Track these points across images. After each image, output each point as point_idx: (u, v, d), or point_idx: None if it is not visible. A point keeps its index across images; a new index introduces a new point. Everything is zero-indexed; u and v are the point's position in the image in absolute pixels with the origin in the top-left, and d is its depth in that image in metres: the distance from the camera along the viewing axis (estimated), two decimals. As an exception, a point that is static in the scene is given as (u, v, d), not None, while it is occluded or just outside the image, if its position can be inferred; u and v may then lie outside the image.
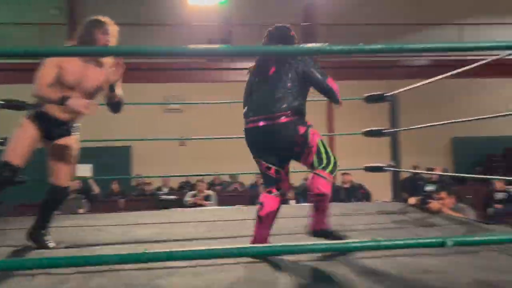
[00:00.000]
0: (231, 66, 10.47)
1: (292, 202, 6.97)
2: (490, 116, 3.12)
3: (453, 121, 3.63)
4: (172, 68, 10.31)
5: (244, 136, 2.38)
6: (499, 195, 6.75)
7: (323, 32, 11.28)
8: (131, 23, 10.39)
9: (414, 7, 11.96)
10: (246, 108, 2.40)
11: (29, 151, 2.42)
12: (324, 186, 2.18)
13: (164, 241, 2.70)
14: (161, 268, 1.93)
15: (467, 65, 3.31)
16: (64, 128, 2.52)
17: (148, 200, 7.80)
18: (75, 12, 11.28)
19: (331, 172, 2.26)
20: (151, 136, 8.83)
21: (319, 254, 2.08)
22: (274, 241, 2.33)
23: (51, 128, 2.47)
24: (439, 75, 3.65)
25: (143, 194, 8.32)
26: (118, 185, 8.25)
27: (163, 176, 8.61)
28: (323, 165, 2.24)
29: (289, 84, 2.29)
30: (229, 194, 7.92)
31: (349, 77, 10.68)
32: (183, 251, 0.79)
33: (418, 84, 3.88)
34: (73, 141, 2.59)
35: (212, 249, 0.95)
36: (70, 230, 3.17)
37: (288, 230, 2.84)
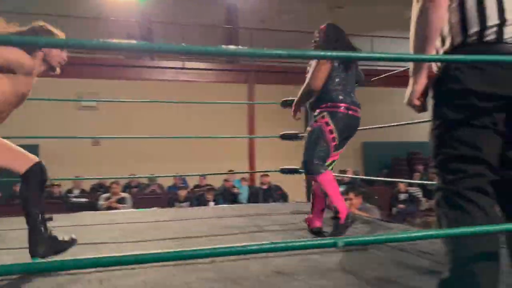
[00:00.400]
0: (150, 65, 10.21)
1: (212, 203, 6.95)
2: (396, 124, 3.38)
3: (363, 128, 3.88)
4: (87, 64, 9.80)
5: (335, 119, 2.65)
6: (402, 196, 7.35)
7: (245, 36, 11.44)
8: (47, 13, 9.70)
9: (331, 18, 12.59)
10: (343, 95, 2.69)
11: None
12: None
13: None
14: (66, 275, 1.83)
15: (379, 75, 3.57)
16: None
17: (58, 203, 7.31)
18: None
19: None
20: (62, 134, 8.30)
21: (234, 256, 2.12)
22: (187, 245, 2.31)
23: None
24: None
25: (51, 196, 7.78)
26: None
27: (74, 179, 8.13)
28: None
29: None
30: (146, 196, 7.69)
31: (270, 82, 10.96)
32: (87, 259, 0.75)
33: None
34: None
35: (120, 256, 0.91)
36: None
37: (204, 233, 2.83)
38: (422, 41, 1.25)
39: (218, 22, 11.70)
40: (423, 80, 1.30)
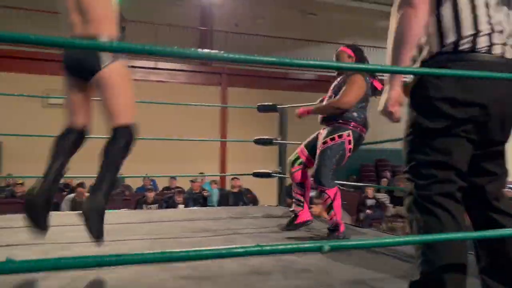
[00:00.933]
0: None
1: (181, 206, 6.89)
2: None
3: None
4: (55, 60, 9.50)
5: (355, 138, 2.78)
6: (370, 202, 7.52)
7: (219, 39, 11.43)
8: (12, 6, 9.38)
9: (304, 24, 12.76)
10: (364, 114, 2.82)
11: None
12: None
13: (37, 245, 2.46)
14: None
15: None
16: None
17: (20, 202, 7.04)
18: None
19: None
20: (26, 132, 8.02)
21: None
22: (160, 247, 2.29)
23: None
24: (323, 88, 3.95)
25: (13, 195, 7.50)
26: (-16, 186, 7.32)
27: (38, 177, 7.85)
28: None
29: None
30: (114, 197, 7.51)
31: (242, 85, 10.99)
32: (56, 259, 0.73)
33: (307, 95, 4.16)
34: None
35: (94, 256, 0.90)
36: None
37: (175, 235, 2.81)
38: (400, 48, 1.29)
39: (192, 24, 11.65)
40: (398, 88, 1.34)
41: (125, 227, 3.17)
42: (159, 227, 3.19)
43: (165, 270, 1.90)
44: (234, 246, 0.86)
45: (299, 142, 3.24)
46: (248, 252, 0.86)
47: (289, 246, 0.84)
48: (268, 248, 0.84)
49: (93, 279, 1.80)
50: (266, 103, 4.35)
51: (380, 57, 10.95)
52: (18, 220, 3.35)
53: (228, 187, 9.09)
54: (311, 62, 0.92)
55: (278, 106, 4.26)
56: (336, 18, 12.82)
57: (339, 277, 1.87)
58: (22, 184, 7.75)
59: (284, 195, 4.69)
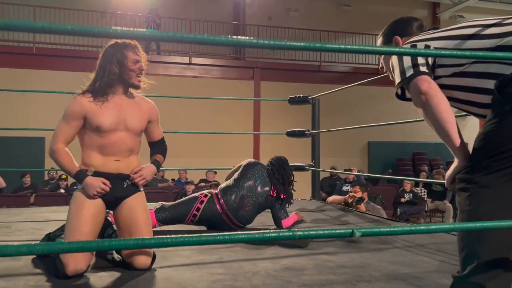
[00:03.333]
0: (156, 60, 10.22)
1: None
2: (399, 122, 3.37)
3: (366, 125, 3.89)
4: (92, 57, 9.79)
5: None
6: (407, 196, 7.33)
7: (252, 33, 11.43)
8: (53, 6, 9.73)
9: (339, 16, 12.55)
10: None
11: None
12: None
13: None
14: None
15: (383, 74, 3.55)
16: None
17: (64, 196, 7.34)
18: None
19: None
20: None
21: (245, 248, 2.15)
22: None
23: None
24: (357, 80, 3.87)
25: (57, 189, 7.81)
26: (29, 179, 7.65)
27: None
28: None
29: None
30: (153, 191, 7.68)
31: (275, 79, 10.95)
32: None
33: (339, 89, 4.10)
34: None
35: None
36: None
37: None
38: (444, 129, 1.22)
39: (225, 18, 11.69)
40: (454, 163, 1.26)
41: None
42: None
43: (198, 269, 1.92)
44: (268, 231, 0.86)
45: (334, 129, 3.18)
46: (281, 236, 0.85)
47: (320, 232, 0.83)
48: (300, 233, 0.82)
49: (126, 275, 1.85)
50: (297, 95, 4.31)
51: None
52: (62, 212, 3.50)
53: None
54: (342, 47, 0.90)
55: (309, 98, 4.21)
56: (372, 9, 12.52)
57: (376, 273, 1.84)
58: (66, 178, 8.06)
59: (318, 188, 4.65)
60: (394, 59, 1.34)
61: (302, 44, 0.84)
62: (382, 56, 1.57)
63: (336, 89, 4.14)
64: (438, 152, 11.93)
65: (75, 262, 1.74)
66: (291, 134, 4.36)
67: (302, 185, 3.58)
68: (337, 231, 0.82)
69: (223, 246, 2.24)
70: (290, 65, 11.31)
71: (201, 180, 8.62)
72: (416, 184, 8.14)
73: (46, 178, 8.67)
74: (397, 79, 1.31)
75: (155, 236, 0.85)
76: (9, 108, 9.01)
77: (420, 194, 7.69)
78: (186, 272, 1.87)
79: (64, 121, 1.94)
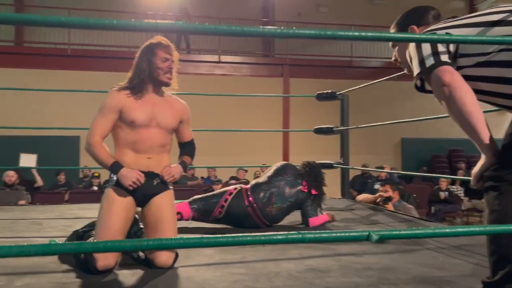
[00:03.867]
0: (186, 59, 10.30)
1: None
2: (432, 117, 3.22)
3: (397, 121, 3.75)
4: (123, 57, 9.99)
5: None
6: (443, 194, 7.07)
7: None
8: (86, 8, 9.98)
9: (371, 11, 12.27)
10: None
11: None
12: None
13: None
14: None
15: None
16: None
17: (97, 193, 7.51)
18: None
19: None
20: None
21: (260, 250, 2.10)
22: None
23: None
24: (389, 75, 3.74)
25: (90, 186, 8.01)
26: (64, 177, 7.89)
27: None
28: None
29: None
30: (182, 188, 7.74)
31: (305, 75, 10.83)
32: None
33: (369, 83, 3.97)
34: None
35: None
36: (5, 223, 2.97)
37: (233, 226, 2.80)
38: (470, 123, 1.15)
39: (255, 16, 11.66)
40: (482, 160, 1.18)
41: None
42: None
43: (220, 268, 1.89)
44: (275, 233, 0.80)
45: (364, 126, 3.09)
46: (289, 239, 0.79)
47: (333, 234, 0.77)
48: (310, 236, 0.76)
49: (148, 273, 1.84)
50: (325, 91, 4.21)
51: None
52: (93, 209, 3.56)
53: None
54: (356, 34, 0.83)
55: (337, 93, 4.10)
56: (405, 2, 12.11)
57: (404, 276, 1.75)
58: (98, 176, 8.25)
59: (348, 187, 4.53)
60: (412, 48, 1.25)
61: (312, 32, 0.78)
62: (396, 47, 1.48)
63: (366, 84, 4.02)
64: (476, 149, 11.42)
65: (105, 257, 1.77)
66: (318, 131, 4.27)
67: (331, 183, 3.49)
68: (351, 234, 0.76)
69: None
70: (320, 61, 11.15)
71: (231, 178, 8.62)
72: (452, 182, 7.85)
73: (80, 176, 8.92)
74: (416, 70, 1.22)
75: (178, 236, 0.82)
76: (45, 108, 9.31)
77: (456, 192, 7.40)
78: (208, 271, 1.84)
79: (100, 115, 1.99)
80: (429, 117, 3.32)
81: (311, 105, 9.97)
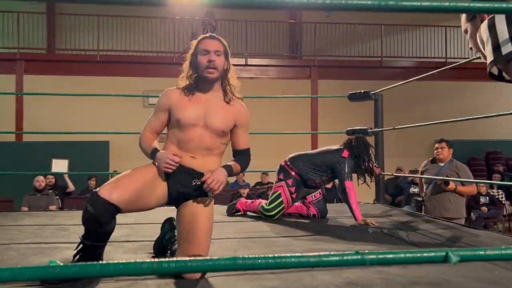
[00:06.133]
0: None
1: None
2: (469, 118, 2.99)
3: (433, 122, 3.53)
4: (152, 62, 10.06)
5: None
6: (483, 199, 6.70)
7: (309, 31, 11.15)
8: (115, 15, 10.11)
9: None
10: None
11: None
12: None
13: (129, 241, 2.48)
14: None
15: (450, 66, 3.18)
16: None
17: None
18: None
19: None
20: (129, 130, 8.55)
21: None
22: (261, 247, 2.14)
23: None
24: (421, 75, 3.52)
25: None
26: (95, 182, 7.94)
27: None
28: None
29: None
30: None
31: (333, 76, 10.59)
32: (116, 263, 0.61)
33: (402, 82, 3.75)
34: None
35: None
36: (32, 228, 2.93)
37: (262, 234, 2.65)
38: None
39: (282, 18, 11.52)
40: None
41: (216, 225, 3.10)
42: (248, 226, 3.07)
43: (251, 279, 1.74)
44: (327, 253, 0.65)
45: (400, 127, 2.91)
46: (344, 262, 0.63)
47: (401, 255, 0.60)
48: (372, 256, 0.60)
49: (177, 284, 1.72)
50: (357, 91, 4.02)
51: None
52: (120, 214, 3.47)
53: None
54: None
55: (371, 93, 3.90)
56: (437, -1, 11.75)
57: (456, 292, 1.56)
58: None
59: (383, 191, 4.31)
60: (484, 31, 1.07)
61: (369, 2, 0.63)
62: (468, 32, 1.29)
63: (399, 83, 3.80)
64: (515, 151, 10.91)
65: (110, 191, 1.74)
66: (351, 133, 4.08)
67: (364, 187, 3.32)
68: (424, 255, 0.60)
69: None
70: (349, 62, 10.89)
71: (257, 184, 8.49)
72: (492, 186, 7.45)
73: (110, 180, 8.98)
74: (490, 57, 1.04)
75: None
76: (75, 114, 9.44)
77: (497, 196, 7.01)
78: (238, 282, 1.70)
79: (153, 113, 2.00)
80: (466, 118, 3.09)
81: (339, 107, 9.74)
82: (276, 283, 1.69)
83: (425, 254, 0.60)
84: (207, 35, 2.00)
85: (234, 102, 1.99)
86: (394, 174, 5.11)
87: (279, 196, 3.21)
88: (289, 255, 0.62)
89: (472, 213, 6.62)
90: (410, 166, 9.12)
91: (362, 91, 4.02)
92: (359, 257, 0.59)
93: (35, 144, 9.03)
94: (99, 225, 1.73)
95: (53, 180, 6.90)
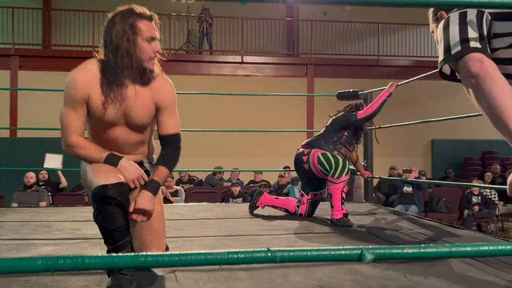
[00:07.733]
0: (209, 59, 10.25)
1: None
2: (464, 116, 2.97)
3: (426, 120, 3.50)
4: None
5: None
6: (475, 199, 6.69)
7: (306, 29, 11.12)
8: (110, 11, 10.07)
9: (399, 9, 11.88)
10: None
11: None
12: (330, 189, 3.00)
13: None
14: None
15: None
16: None
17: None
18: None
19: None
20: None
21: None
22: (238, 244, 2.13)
23: None
24: (418, 75, 3.49)
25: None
26: (87, 178, 7.92)
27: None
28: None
29: None
30: (200, 191, 7.64)
31: (329, 75, 10.57)
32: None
33: (403, 82, 3.72)
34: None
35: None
36: (13, 225, 2.91)
37: (247, 232, 2.64)
38: (501, 119, 1.00)
39: (278, 15, 11.49)
40: None
41: (201, 222, 3.10)
42: (236, 223, 3.05)
43: (221, 280, 1.71)
44: (236, 250, 0.63)
45: (388, 126, 2.89)
46: (253, 258, 0.60)
47: (312, 253, 0.58)
48: (282, 254, 0.58)
49: (140, 281, 1.70)
50: (346, 90, 3.98)
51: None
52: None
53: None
54: None
55: (360, 92, 3.85)
56: None
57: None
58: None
59: (372, 190, 4.30)
60: (439, 31, 1.07)
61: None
62: (434, 33, 1.28)
63: (401, 83, 3.73)
64: (512, 151, 10.87)
65: (106, 178, 1.53)
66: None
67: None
68: (338, 253, 0.58)
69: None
70: (345, 60, 10.86)
71: (250, 182, 8.47)
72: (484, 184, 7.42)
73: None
74: (440, 57, 1.04)
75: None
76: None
77: (490, 196, 6.99)
78: (209, 284, 1.68)
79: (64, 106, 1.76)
80: (461, 116, 3.07)
81: (336, 105, 9.70)
82: (247, 284, 1.67)
83: (338, 252, 0.58)
84: (148, 13, 1.66)
85: (155, 81, 1.68)
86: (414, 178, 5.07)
87: (329, 159, 3.01)
88: (195, 252, 0.61)
89: (466, 211, 6.60)
90: (405, 165, 9.09)
91: (351, 90, 3.99)
92: (269, 254, 0.57)
93: (29, 140, 9.01)
94: (110, 219, 1.51)
95: (46, 176, 6.89)
